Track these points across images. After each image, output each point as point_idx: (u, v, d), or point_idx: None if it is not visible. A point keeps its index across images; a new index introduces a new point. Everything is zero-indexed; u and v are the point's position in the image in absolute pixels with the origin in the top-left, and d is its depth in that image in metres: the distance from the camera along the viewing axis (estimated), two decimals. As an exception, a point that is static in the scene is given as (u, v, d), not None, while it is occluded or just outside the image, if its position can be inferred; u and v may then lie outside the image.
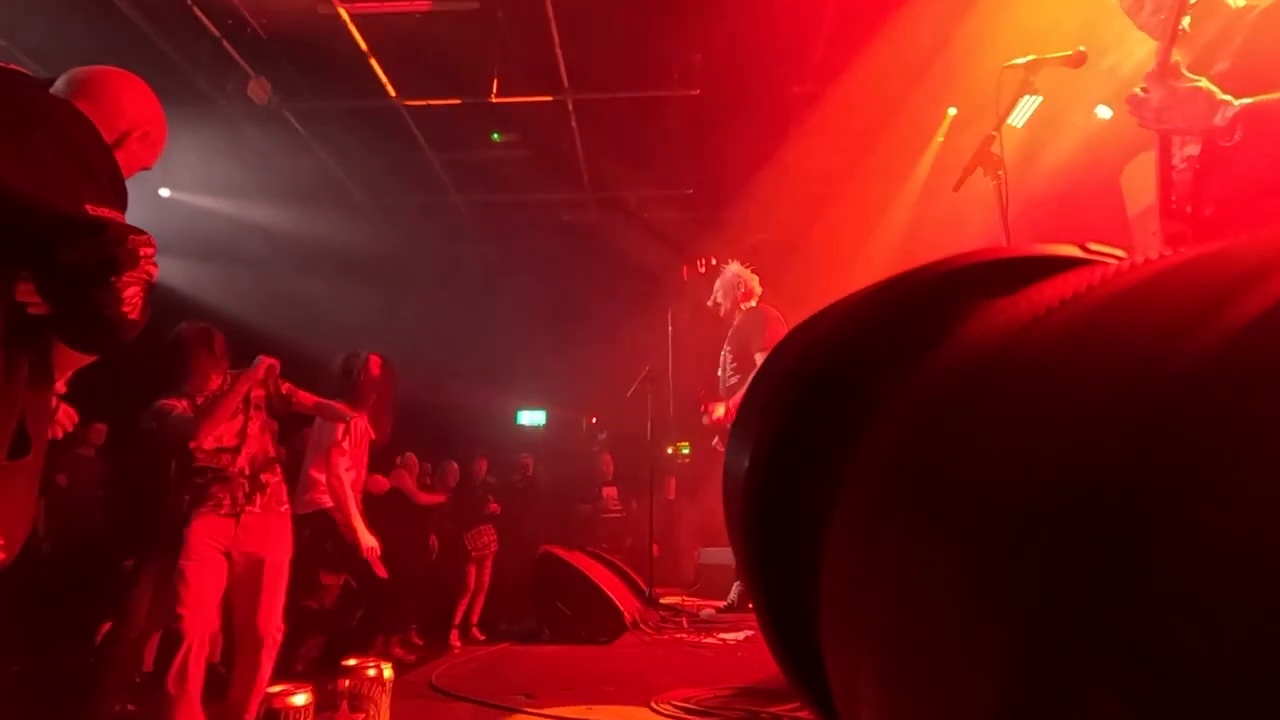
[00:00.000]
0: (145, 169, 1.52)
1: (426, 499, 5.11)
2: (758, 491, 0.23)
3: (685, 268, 5.48)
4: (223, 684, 2.67)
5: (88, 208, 1.15)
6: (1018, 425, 0.15)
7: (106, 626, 3.41)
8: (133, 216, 1.27)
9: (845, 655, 0.18)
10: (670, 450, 8.02)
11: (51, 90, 1.36)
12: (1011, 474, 0.14)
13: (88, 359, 1.38)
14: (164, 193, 6.23)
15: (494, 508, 5.56)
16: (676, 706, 2.04)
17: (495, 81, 5.36)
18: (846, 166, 6.44)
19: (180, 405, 2.64)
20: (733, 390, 3.96)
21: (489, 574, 5.36)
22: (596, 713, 2.09)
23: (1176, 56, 1.38)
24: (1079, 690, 0.12)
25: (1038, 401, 0.15)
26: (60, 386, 1.47)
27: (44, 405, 1.28)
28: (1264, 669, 0.11)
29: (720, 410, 3.84)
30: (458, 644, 4.86)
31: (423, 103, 5.66)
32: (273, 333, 5.07)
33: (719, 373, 4.18)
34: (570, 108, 5.68)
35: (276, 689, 1.79)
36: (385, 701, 2.02)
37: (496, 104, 5.64)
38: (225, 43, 4.89)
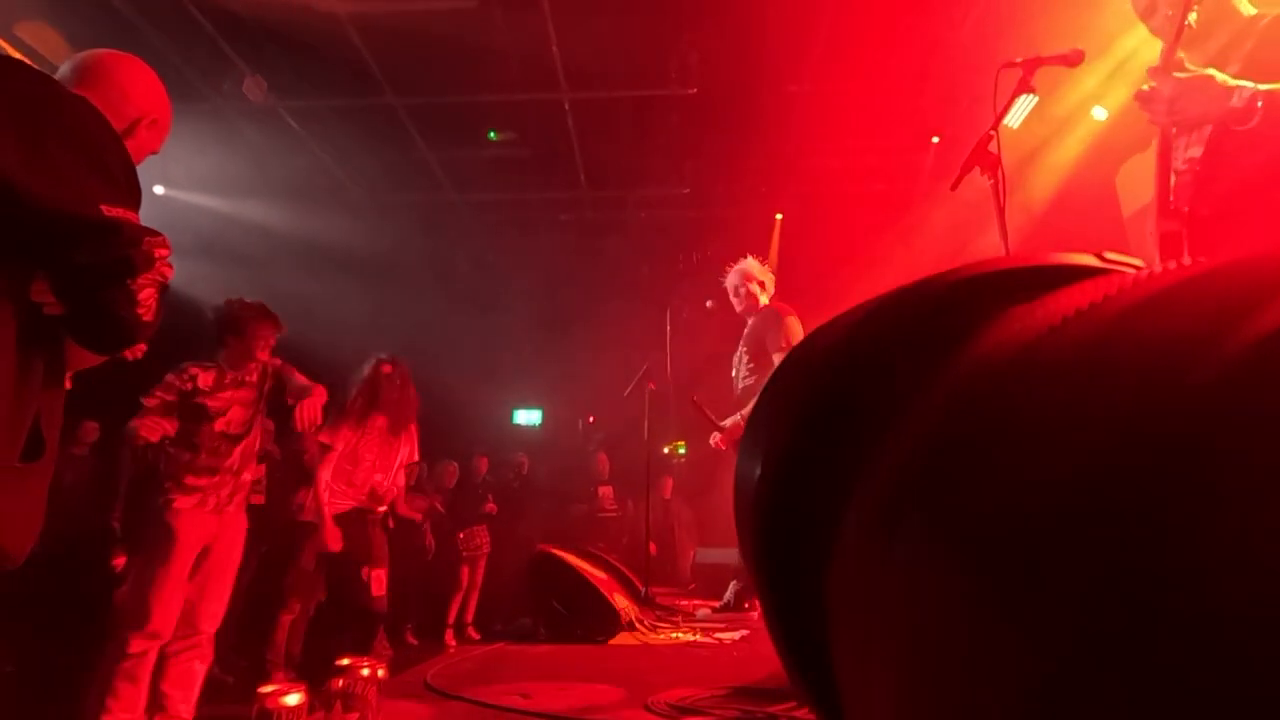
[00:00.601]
0: (153, 154, 1.51)
1: (406, 512, 5.11)
2: (769, 498, 0.23)
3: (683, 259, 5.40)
4: (219, 687, 2.67)
5: (103, 209, 1.15)
6: (1034, 439, 0.15)
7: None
8: (130, 214, 1.26)
9: (857, 664, 0.17)
10: (666, 450, 8.02)
11: (57, 78, 1.34)
12: (1028, 489, 0.14)
13: (98, 359, 1.37)
14: (159, 190, 6.21)
15: (490, 508, 5.55)
16: (672, 706, 2.04)
17: (492, 80, 5.35)
18: (845, 167, 6.44)
19: (205, 377, 2.68)
20: (748, 392, 3.90)
21: (482, 573, 5.36)
22: (592, 712, 2.08)
23: (1180, 53, 1.38)
24: (1098, 709, 0.12)
25: (1055, 415, 0.15)
26: (67, 384, 1.47)
27: (57, 406, 1.28)
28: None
29: (715, 437, 3.84)
30: (453, 643, 4.86)
31: (419, 101, 5.65)
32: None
33: (733, 374, 4.08)
34: (567, 106, 5.67)
35: (269, 689, 1.78)
36: (379, 702, 2.02)
37: (493, 102, 5.63)
38: (221, 40, 4.87)
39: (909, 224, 6.70)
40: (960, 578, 0.14)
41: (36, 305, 1.17)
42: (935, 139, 5.80)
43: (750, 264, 4.15)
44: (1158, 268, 0.18)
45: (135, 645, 2.40)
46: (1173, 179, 1.51)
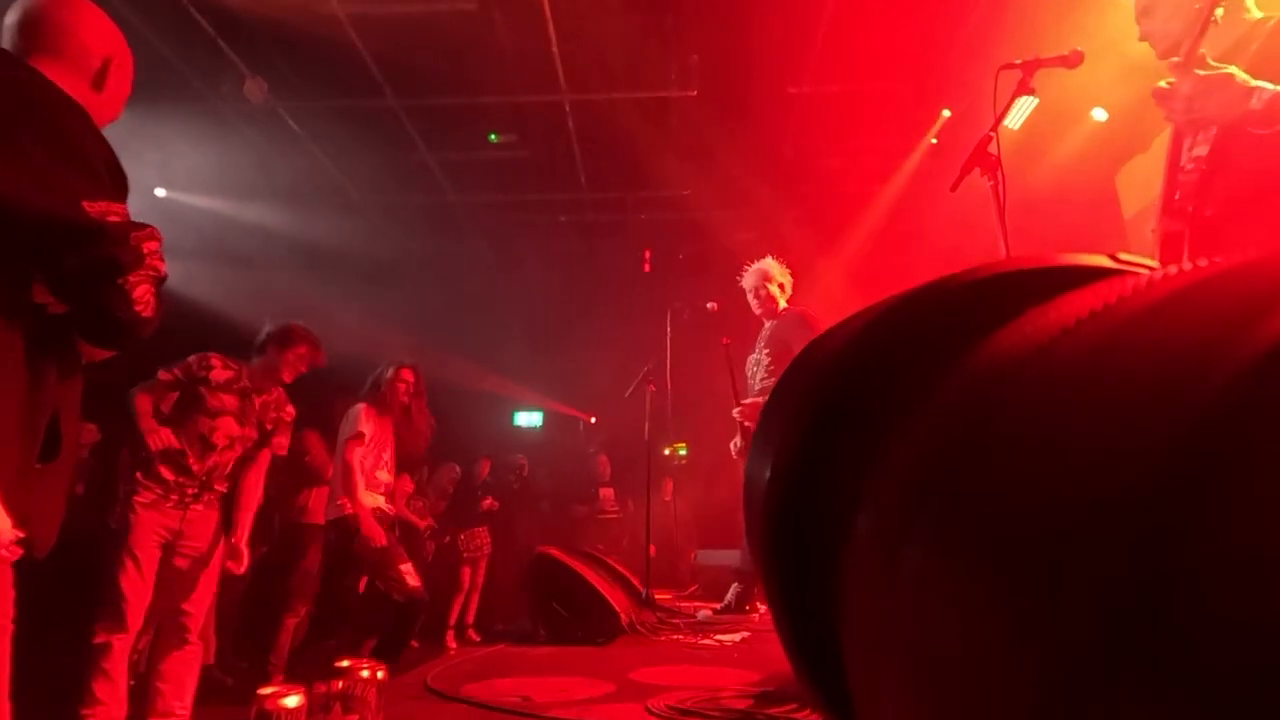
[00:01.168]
0: (127, 99, 1.45)
1: (410, 516, 5.13)
2: (779, 499, 0.23)
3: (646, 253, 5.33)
4: (218, 689, 2.66)
5: (85, 206, 1.12)
6: (1046, 442, 0.15)
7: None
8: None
9: (869, 666, 0.17)
10: (667, 451, 8.02)
11: (5, 38, 1.29)
12: (1040, 492, 0.14)
13: (105, 354, 1.37)
14: (159, 192, 6.21)
15: (489, 503, 5.56)
16: (672, 708, 2.03)
17: (492, 82, 5.36)
18: (845, 168, 6.45)
19: (220, 372, 2.68)
20: (767, 393, 3.85)
21: (483, 574, 5.36)
22: (592, 714, 2.08)
23: (1203, 49, 1.37)
24: (1114, 712, 0.11)
25: (1067, 418, 0.15)
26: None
27: (74, 401, 1.27)
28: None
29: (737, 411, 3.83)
30: (453, 645, 4.85)
31: (420, 102, 5.65)
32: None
33: (748, 373, 4.05)
34: (567, 108, 5.67)
35: (269, 690, 1.77)
36: (379, 703, 2.01)
37: (493, 104, 5.63)
38: (221, 42, 4.87)
39: (909, 225, 6.70)
40: (974, 579, 0.14)
41: (41, 306, 1.16)
42: (933, 140, 5.80)
43: (770, 264, 4.09)
44: (1169, 269, 0.18)
45: (100, 636, 2.40)
46: (1180, 178, 1.51)
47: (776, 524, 0.23)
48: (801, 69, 5.19)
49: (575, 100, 5.57)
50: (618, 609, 3.58)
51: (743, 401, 3.87)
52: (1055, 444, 0.15)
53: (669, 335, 4.94)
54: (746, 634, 3.46)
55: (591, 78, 5.32)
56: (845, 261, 6.81)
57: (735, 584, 4.28)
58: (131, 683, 3.12)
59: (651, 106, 5.64)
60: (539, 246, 7.73)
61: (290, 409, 2.93)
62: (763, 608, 4.08)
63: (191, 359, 2.69)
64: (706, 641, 3.39)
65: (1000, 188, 1.95)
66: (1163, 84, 1.43)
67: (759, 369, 3.93)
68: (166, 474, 2.57)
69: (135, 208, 1.27)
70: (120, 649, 2.43)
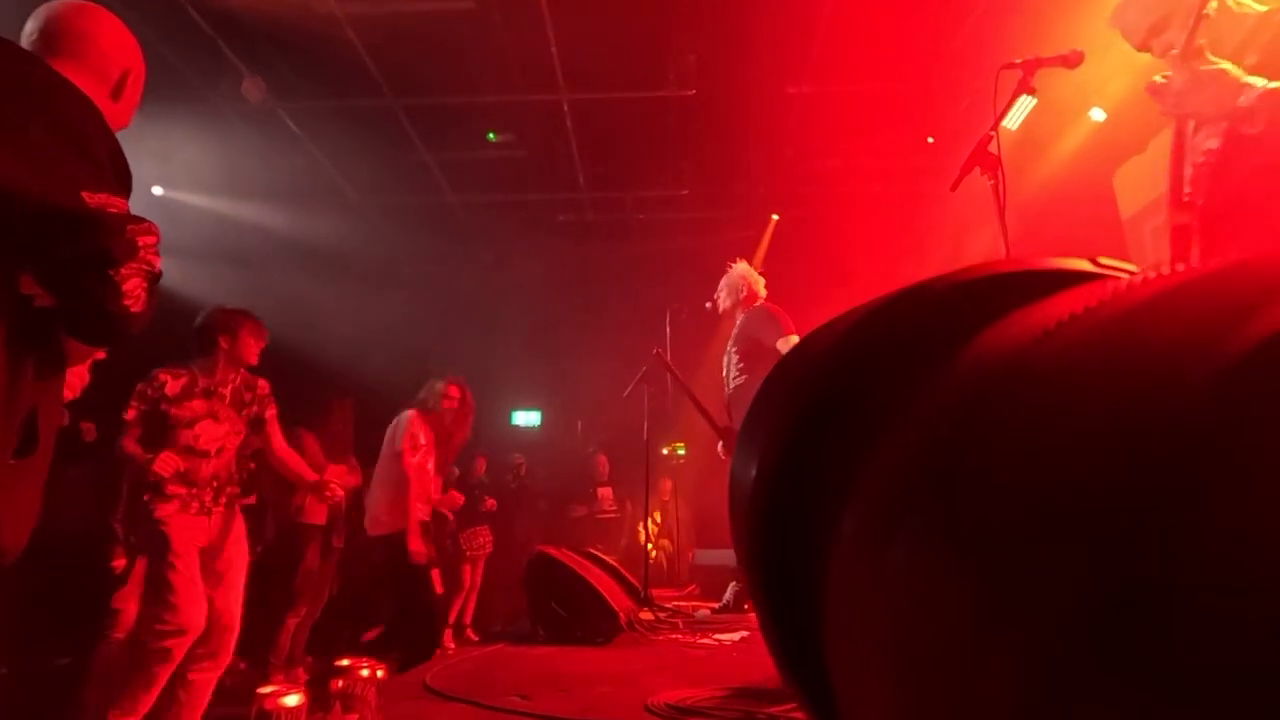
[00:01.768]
0: (137, 108, 1.46)
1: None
2: (764, 499, 0.23)
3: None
4: (218, 689, 2.66)
5: (85, 196, 1.12)
6: (1029, 442, 0.15)
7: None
8: (126, 214, 1.24)
9: (853, 664, 0.17)
10: (666, 451, 8.02)
11: (25, 44, 1.30)
12: (1024, 492, 0.14)
13: (96, 352, 1.36)
14: (157, 191, 6.20)
15: (490, 504, 5.56)
16: (671, 708, 2.03)
17: (491, 82, 5.35)
18: (843, 168, 6.44)
19: (173, 385, 2.64)
20: (740, 391, 3.93)
21: (481, 574, 5.36)
22: (591, 714, 2.08)
23: (1201, 40, 1.37)
24: (1099, 709, 0.12)
25: (1050, 418, 0.15)
26: (84, 373, 1.46)
27: (54, 400, 1.26)
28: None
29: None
30: (452, 645, 4.85)
31: (418, 102, 5.65)
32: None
33: (724, 374, 4.14)
34: (566, 108, 5.67)
35: (268, 690, 1.78)
36: (378, 703, 2.01)
37: (492, 103, 5.62)
38: (219, 41, 4.86)
39: (907, 225, 6.70)
40: (960, 579, 0.15)
41: (27, 298, 1.14)
42: (930, 139, 5.81)
43: (744, 267, 4.25)
44: (1148, 273, 0.18)
45: (167, 642, 2.36)
46: (1189, 171, 1.51)
47: (761, 524, 0.23)
48: (801, 69, 5.19)
49: (574, 100, 5.57)
50: (616, 608, 3.58)
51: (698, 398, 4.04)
52: (1040, 442, 0.15)
53: (668, 335, 4.95)
54: (745, 633, 3.47)
55: (590, 77, 5.32)
56: (843, 261, 6.80)
57: (733, 583, 4.29)
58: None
59: (650, 106, 5.64)
60: (537, 246, 7.73)
61: (262, 382, 2.86)
62: (761, 607, 4.12)
63: (138, 388, 2.63)
64: (705, 641, 3.40)
65: (1000, 187, 1.95)
66: (1158, 78, 1.44)
67: (730, 367, 4.04)
68: (178, 490, 2.56)
69: (133, 206, 1.26)
70: (178, 654, 2.39)
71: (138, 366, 2.64)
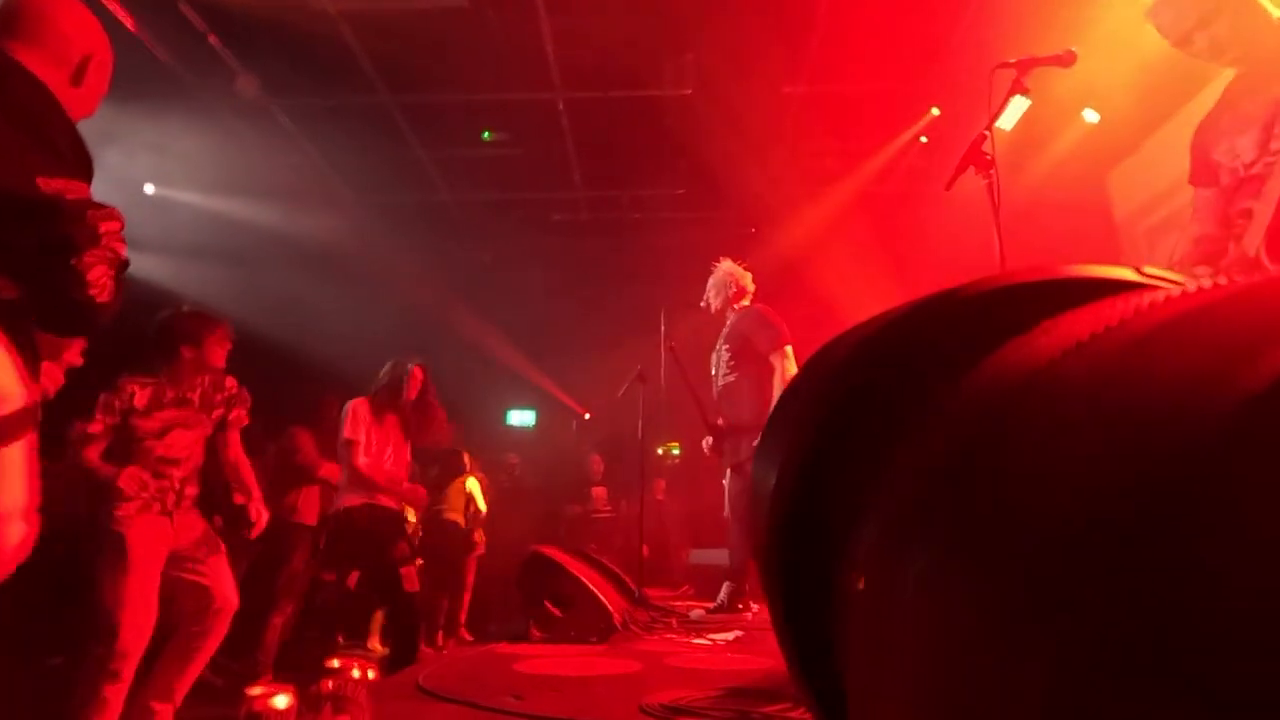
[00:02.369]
0: (103, 97, 1.41)
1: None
2: (785, 506, 0.22)
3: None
4: (207, 690, 2.65)
5: (39, 182, 1.08)
6: (1054, 455, 0.15)
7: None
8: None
9: (868, 670, 0.17)
10: (660, 451, 8.02)
11: None
12: (1049, 505, 0.14)
13: (69, 347, 1.34)
14: (149, 189, 6.16)
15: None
16: (666, 708, 2.03)
17: (486, 80, 5.34)
18: (839, 166, 6.45)
19: (141, 395, 2.59)
20: (728, 389, 3.96)
21: (473, 574, 5.35)
22: (586, 714, 2.07)
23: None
24: (1121, 706, 0.11)
25: (1072, 437, 0.15)
26: (76, 357, 1.43)
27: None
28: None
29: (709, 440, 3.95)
30: (444, 644, 4.84)
31: (413, 100, 5.63)
32: (258, 330, 5.02)
33: (712, 372, 4.18)
34: (561, 106, 5.66)
35: (257, 691, 1.76)
36: (369, 703, 2.00)
37: (487, 102, 5.61)
38: (212, 37, 4.83)
39: (905, 225, 6.72)
40: (982, 588, 0.14)
41: None
42: (923, 139, 5.82)
43: (729, 265, 4.28)
44: (1187, 286, 0.18)
45: (111, 666, 2.30)
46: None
47: (781, 529, 0.23)
48: (797, 68, 5.19)
49: (569, 98, 5.56)
50: (611, 608, 3.57)
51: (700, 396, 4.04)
52: (1063, 456, 0.15)
53: (663, 333, 4.94)
54: (740, 633, 3.47)
55: (586, 76, 5.31)
56: (841, 261, 6.81)
57: (728, 582, 4.29)
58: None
59: (646, 105, 5.63)
60: (533, 244, 7.72)
61: (230, 381, 2.81)
62: (755, 606, 4.13)
63: (102, 399, 2.54)
64: (700, 640, 3.39)
65: (995, 186, 1.96)
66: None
67: (720, 366, 4.06)
68: (141, 492, 2.51)
69: (124, 204, 1.24)
70: (127, 674, 2.35)
71: (133, 360, 2.63)
